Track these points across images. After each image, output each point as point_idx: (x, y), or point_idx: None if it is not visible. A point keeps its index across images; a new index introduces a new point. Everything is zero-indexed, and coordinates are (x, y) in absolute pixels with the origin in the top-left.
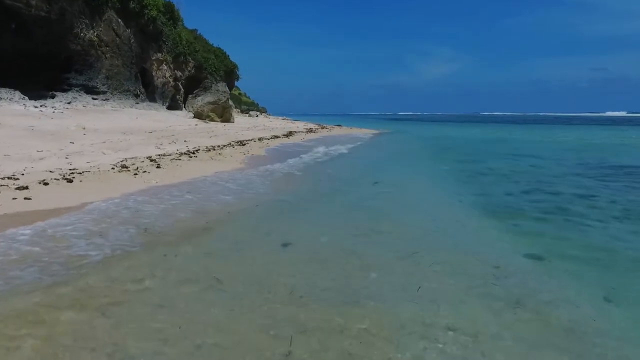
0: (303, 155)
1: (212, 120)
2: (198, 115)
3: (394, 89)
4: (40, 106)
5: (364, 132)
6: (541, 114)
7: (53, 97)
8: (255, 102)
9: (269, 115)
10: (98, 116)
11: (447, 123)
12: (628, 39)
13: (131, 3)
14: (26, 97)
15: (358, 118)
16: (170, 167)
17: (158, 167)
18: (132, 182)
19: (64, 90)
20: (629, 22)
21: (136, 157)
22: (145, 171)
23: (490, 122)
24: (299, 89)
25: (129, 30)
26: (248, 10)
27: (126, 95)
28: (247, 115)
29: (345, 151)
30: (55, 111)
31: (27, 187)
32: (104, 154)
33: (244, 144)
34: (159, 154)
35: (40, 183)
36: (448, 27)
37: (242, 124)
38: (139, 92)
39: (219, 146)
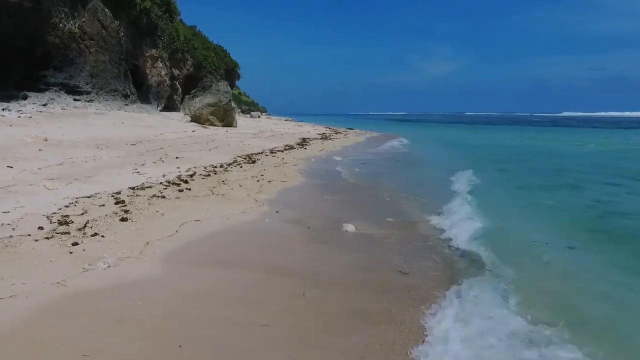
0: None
1: (212, 124)
2: (196, 119)
3: (395, 87)
4: (3, 109)
5: (389, 138)
6: (543, 114)
7: (25, 98)
8: (255, 101)
9: (271, 115)
10: (75, 122)
11: (459, 125)
12: (627, 39)
13: None
14: None
15: (359, 118)
16: (143, 218)
17: (124, 218)
18: (57, 273)
19: (40, 90)
20: (628, 21)
21: (95, 195)
22: (96, 233)
23: (509, 124)
24: (298, 88)
25: (117, 22)
26: (246, 7)
27: (114, 95)
28: (249, 115)
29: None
30: (22, 115)
31: None
32: (47, 189)
33: (254, 161)
34: (134, 185)
35: None
36: (449, 25)
37: (246, 129)
38: (128, 92)
39: (221, 165)
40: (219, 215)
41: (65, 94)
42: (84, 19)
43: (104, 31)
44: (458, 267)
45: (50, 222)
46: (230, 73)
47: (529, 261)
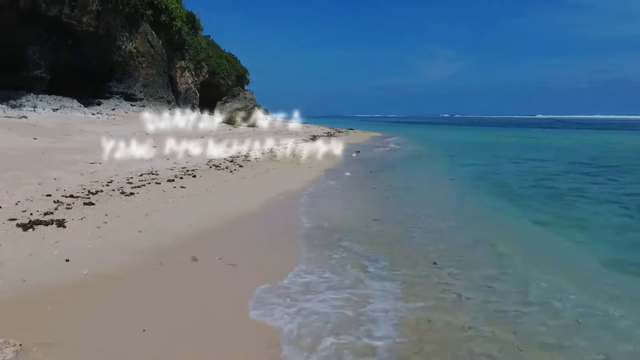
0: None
1: (240, 124)
2: (227, 121)
3: (396, 90)
4: (97, 113)
5: (386, 136)
6: (544, 116)
7: (99, 104)
8: (257, 103)
9: (275, 117)
10: (141, 121)
11: (447, 125)
12: (628, 41)
13: (162, 16)
14: (82, 105)
15: (359, 120)
16: (260, 164)
17: (241, 165)
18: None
19: (106, 98)
20: (629, 23)
21: (218, 159)
22: (241, 166)
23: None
24: (298, 89)
25: (160, 41)
26: (245, 8)
27: (160, 101)
28: None
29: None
30: (109, 117)
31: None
32: (189, 155)
33: (286, 147)
34: (237, 155)
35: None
36: (450, 27)
37: (266, 128)
38: (170, 99)
39: (271, 150)
40: (287, 168)
41: (125, 101)
42: (138, 41)
43: (152, 49)
44: None
45: (210, 166)
46: (241, 79)
47: None
